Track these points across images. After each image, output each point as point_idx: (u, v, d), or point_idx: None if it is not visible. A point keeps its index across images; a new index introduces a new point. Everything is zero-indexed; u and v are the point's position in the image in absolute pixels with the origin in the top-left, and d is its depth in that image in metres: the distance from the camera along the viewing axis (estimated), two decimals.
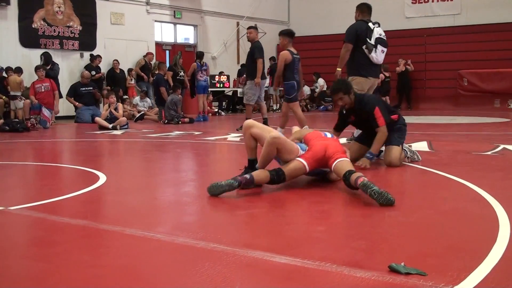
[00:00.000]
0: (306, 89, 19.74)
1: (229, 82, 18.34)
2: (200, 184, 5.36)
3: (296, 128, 5.42)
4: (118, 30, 16.17)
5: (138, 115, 14.18)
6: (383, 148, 5.92)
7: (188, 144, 8.86)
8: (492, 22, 17.99)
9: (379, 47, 7.58)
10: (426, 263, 2.62)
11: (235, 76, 19.02)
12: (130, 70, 16.19)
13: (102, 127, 11.63)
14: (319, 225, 3.58)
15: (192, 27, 19.01)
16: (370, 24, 7.64)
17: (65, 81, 14.70)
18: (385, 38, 7.72)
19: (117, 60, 15.68)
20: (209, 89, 16.39)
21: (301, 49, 21.14)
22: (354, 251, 2.89)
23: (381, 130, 5.61)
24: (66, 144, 9.58)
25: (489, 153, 6.84)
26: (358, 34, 7.59)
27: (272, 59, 18.74)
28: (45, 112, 12.27)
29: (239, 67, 19.06)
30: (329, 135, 5.03)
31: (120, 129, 11.54)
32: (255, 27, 11.02)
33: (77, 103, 13.99)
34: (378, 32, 7.62)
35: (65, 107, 14.59)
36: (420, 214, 3.81)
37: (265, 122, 10.06)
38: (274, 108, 18.35)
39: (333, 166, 4.56)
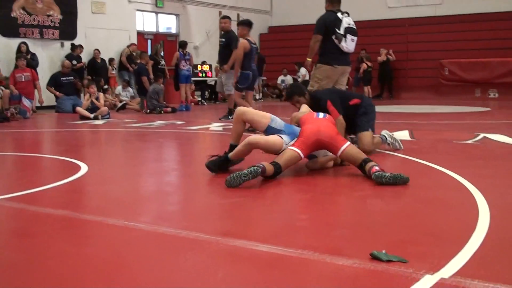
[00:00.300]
0: (289, 79, 19.74)
1: (211, 71, 18.27)
2: (183, 173, 5.36)
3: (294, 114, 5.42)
4: (99, 19, 16.01)
5: (120, 104, 14.09)
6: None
7: (170, 133, 8.82)
8: (473, 12, 18.12)
9: (349, 36, 7.77)
10: (407, 251, 2.64)
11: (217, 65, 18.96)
12: (111, 60, 16.07)
13: (83, 117, 11.54)
14: (301, 214, 3.60)
15: (174, 16, 18.89)
16: (339, 14, 7.80)
17: (46, 70, 14.54)
18: (354, 27, 7.90)
19: (98, 50, 15.54)
20: (192, 79, 16.35)
21: (284, 39, 21.35)
22: (336, 239, 2.91)
23: (337, 121, 5.55)
24: (47, 134, 9.49)
25: (469, 142, 6.90)
26: (327, 25, 7.79)
27: None
28: (25, 102, 12.13)
29: None
30: (321, 115, 5.03)
31: (101, 119, 11.46)
32: (229, 18, 10.91)
33: (58, 93, 13.84)
34: (347, 21, 7.78)
35: (45, 97, 14.42)
36: (402, 202, 3.85)
37: (230, 111, 10.31)
38: (257, 98, 18.33)
39: (340, 153, 4.65)
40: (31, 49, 14.23)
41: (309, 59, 8.31)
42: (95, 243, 2.94)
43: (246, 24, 9.14)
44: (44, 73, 14.38)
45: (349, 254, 2.60)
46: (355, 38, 7.91)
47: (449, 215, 3.45)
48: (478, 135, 7.42)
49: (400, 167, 5.31)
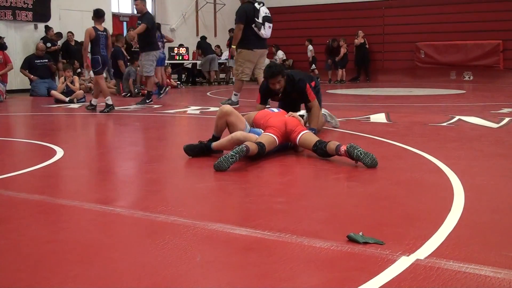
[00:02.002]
0: (266, 61, 19.69)
1: (188, 54, 18.15)
2: (160, 157, 5.33)
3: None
4: (73, 0, 15.74)
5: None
6: (303, 113, 5.87)
7: (147, 117, 8.76)
8: None
9: (266, 24, 9.11)
10: (383, 232, 2.67)
11: (194, 48, 18.83)
12: None
13: (59, 101, 11.39)
14: (279, 197, 3.61)
15: None
16: (256, 5, 9.07)
17: (19, 53, 14.29)
18: (270, 15, 9.23)
19: (71, 32, 15.29)
20: (168, 62, 16.29)
21: None
22: (313, 222, 2.93)
23: (314, 104, 5.62)
24: (21, 118, 9.35)
25: (444, 124, 6.97)
26: (248, 15, 9.02)
27: (231, 30, 18.58)
28: None
29: (199, 39, 18.86)
30: (275, 110, 5.19)
31: (77, 102, 11.33)
32: None
33: (32, 76, 13.63)
34: (264, 11, 9.09)
35: (19, 80, 14.21)
36: (378, 184, 3.88)
37: (148, 94, 10.64)
38: (234, 81, 18.26)
39: (298, 139, 4.80)
40: (4, 31, 13.96)
41: (233, 46, 9.54)
42: (71, 228, 2.92)
43: (94, 14, 9.32)
44: (17, 55, 14.13)
45: (326, 237, 2.62)
46: (271, 25, 9.24)
47: (425, 197, 3.49)
48: (453, 117, 7.51)
49: (377, 150, 5.33)
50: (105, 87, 9.45)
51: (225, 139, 4.81)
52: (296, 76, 5.69)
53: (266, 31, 9.14)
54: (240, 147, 4.30)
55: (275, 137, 4.71)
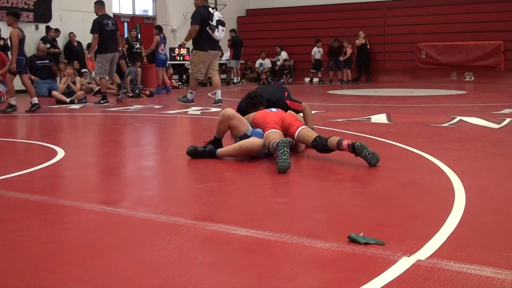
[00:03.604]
0: (267, 62, 19.69)
1: (189, 55, 18.13)
2: (161, 158, 5.34)
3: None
4: (74, 1, 15.74)
5: (96, 88, 13.93)
6: None
7: (148, 118, 8.76)
8: None
9: (220, 27, 9.84)
10: (384, 233, 2.67)
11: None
12: (89, 45, 15.72)
13: (60, 101, 11.39)
14: (279, 197, 3.61)
15: None
16: (210, 9, 9.89)
17: None
18: (223, 19, 10.03)
19: (73, 33, 15.29)
20: (169, 62, 16.35)
21: (262, 22, 21.24)
22: (314, 223, 2.93)
23: (304, 108, 5.60)
24: (23, 119, 9.35)
25: (445, 124, 6.97)
26: (203, 17, 9.74)
27: (232, 31, 18.61)
28: None
29: None
30: (274, 109, 5.16)
31: (78, 103, 11.33)
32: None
33: (33, 76, 13.61)
34: (217, 15, 9.89)
35: (20, 81, 14.17)
36: (379, 185, 3.88)
37: (104, 96, 11.11)
38: (235, 81, 18.28)
39: (296, 134, 4.77)
40: (5, 32, 13.96)
41: (185, 42, 10.74)
42: (73, 229, 2.92)
43: (12, 14, 9.45)
44: None
45: (327, 237, 2.62)
46: (224, 28, 10.06)
47: (426, 197, 3.49)
48: (454, 118, 7.50)
49: (378, 151, 5.33)
50: (12, 88, 9.65)
51: (232, 148, 4.76)
52: (274, 97, 5.60)
53: (219, 34, 9.89)
54: (283, 140, 4.29)
55: (278, 131, 4.70)
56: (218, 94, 10.32)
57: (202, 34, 9.81)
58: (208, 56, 9.98)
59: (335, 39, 18.28)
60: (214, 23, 9.75)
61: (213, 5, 10.15)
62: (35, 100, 9.51)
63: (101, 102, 11.05)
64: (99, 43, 10.84)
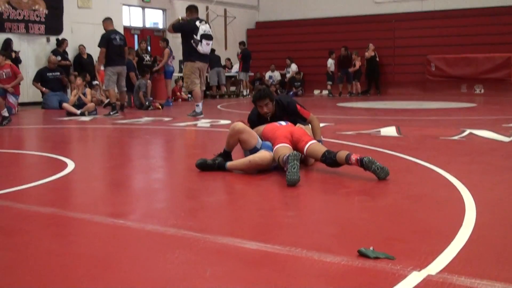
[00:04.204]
0: (276, 75, 19.73)
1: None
2: (170, 170, 5.35)
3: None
4: (85, 14, 15.88)
5: (107, 101, 14.01)
6: None
7: (157, 130, 8.79)
8: (460, 7, 18.21)
9: (204, 41, 10.08)
10: (394, 247, 2.65)
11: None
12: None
13: (70, 113, 11.45)
14: (289, 211, 3.60)
15: (161, 11, 18.79)
16: (197, 23, 10.07)
17: (31, 66, 14.43)
18: (210, 33, 10.27)
19: (83, 45, 15.39)
20: (179, 75, 16.45)
21: (271, 34, 21.31)
22: (324, 236, 2.92)
23: (312, 118, 5.54)
24: (33, 131, 9.42)
25: (456, 138, 6.94)
26: (184, 29, 10.17)
27: (241, 43, 18.69)
28: (10, 98, 11.97)
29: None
30: (283, 123, 5.15)
31: (88, 115, 11.39)
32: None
33: (44, 88, 13.73)
34: (203, 29, 10.05)
35: (31, 93, 14.33)
36: (389, 199, 3.86)
37: (114, 107, 11.28)
38: (244, 94, 18.32)
39: (306, 148, 4.77)
40: (17, 44, 14.12)
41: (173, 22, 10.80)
42: (82, 241, 2.92)
43: None
44: (30, 68, 14.26)
45: (337, 251, 2.61)
46: (210, 42, 10.32)
47: (436, 211, 3.47)
48: (464, 131, 7.47)
49: (387, 164, 5.32)
50: (1, 100, 9.56)
51: (242, 162, 4.75)
52: (284, 100, 5.64)
53: (203, 48, 10.16)
54: (293, 153, 4.30)
55: (288, 145, 4.70)
56: (199, 107, 10.50)
57: (188, 47, 10.22)
58: (196, 66, 10.31)
59: (345, 46, 18.26)
60: (198, 37, 10.03)
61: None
62: (5, 112, 9.39)
63: (111, 113, 11.16)
64: (107, 56, 11.24)
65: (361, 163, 4.31)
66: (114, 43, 11.26)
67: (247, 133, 4.92)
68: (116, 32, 11.66)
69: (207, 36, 10.17)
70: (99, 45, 11.28)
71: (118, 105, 11.65)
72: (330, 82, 18.40)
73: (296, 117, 5.47)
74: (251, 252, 2.65)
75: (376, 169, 4.27)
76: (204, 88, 10.97)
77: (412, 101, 15.04)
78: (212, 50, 18.32)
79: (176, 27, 10.33)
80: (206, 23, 10.32)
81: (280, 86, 19.46)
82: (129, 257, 2.62)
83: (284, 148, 4.60)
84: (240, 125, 4.96)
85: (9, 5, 14.19)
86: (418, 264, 2.43)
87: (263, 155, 4.70)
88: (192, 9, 10.42)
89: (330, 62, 18.41)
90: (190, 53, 10.20)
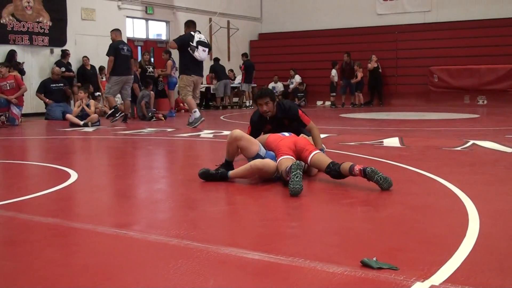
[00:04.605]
0: (279, 86, 19.77)
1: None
2: (173, 181, 5.34)
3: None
4: (89, 26, 15.97)
5: (109, 111, 14.03)
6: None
7: (160, 141, 8.80)
8: (462, 19, 18.25)
9: (200, 47, 10.55)
10: (397, 258, 2.65)
11: (208, 72, 18.94)
12: (102, 69, 15.87)
13: (73, 124, 11.48)
14: (291, 221, 3.60)
15: (164, 23, 18.88)
16: (192, 33, 10.66)
17: (35, 77, 14.49)
18: (205, 40, 10.85)
19: (87, 57, 15.45)
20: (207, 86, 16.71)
21: (274, 46, 21.39)
22: (327, 247, 2.91)
23: (312, 126, 5.52)
24: (36, 142, 9.44)
25: (459, 148, 6.94)
26: (184, 43, 10.54)
27: (244, 55, 18.74)
28: (14, 109, 12.02)
29: (212, 63, 18.99)
30: (286, 134, 5.16)
31: (91, 126, 11.41)
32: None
33: (47, 99, 13.78)
34: (198, 36, 10.64)
35: (35, 104, 14.37)
36: (392, 209, 3.85)
37: (123, 116, 11.80)
38: (247, 105, 18.35)
39: (310, 158, 4.77)
40: (21, 56, 14.19)
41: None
42: (85, 252, 2.92)
43: None
44: (33, 80, 14.32)
45: (340, 262, 2.60)
46: (206, 49, 10.79)
47: (439, 222, 3.46)
48: (467, 142, 7.46)
49: (390, 174, 5.31)
50: None
51: (244, 168, 4.74)
52: (287, 103, 5.67)
53: (200, 54, 10.60)
54: (297, 162, 4.32)
55: (291, 157, 4.70)
56: (193, 116, 10.80)
57: (185, 59, 10.69)
58: (192, 80, 10.77)
59: (347, 52, 18.29)
60: (194, 43, 10.51)
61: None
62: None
63: (116, 116, 11.60)
64: (114, 66, 11.47)
65: (364, 173, 4.31)
66: (122, 53, 11.53)
67: (245, 140, 4.94)
68: (124, 43, 11.96)
69: (203, 43, 10.66)
70: (107, 54, 11.54)
71: (122, 110, 12.04)
72: (333, 94, 18.38)
73: (296, 122, 5.49)
74: (254, 263, 2.64)
75: (379, 179, 4.26)
76: (198, 101, 11.41)
77: (415, 112, 15.05)
78: (217, 59, 18.41)
79: (177, 40, 10.81)
80: (200, 33, 10.89)
81: (282, 97, 19.47)
82: (132, 268, 2.62)
83: (287, 160, 4.60)
84: (237, 132, 4.98)
85: (13, 17, 14.27)
86: (422, 274, 2.42)
87: (266, 161, 4.71)
88: (189, 24, 10.95)
89: (334, 73, 18.42)
90: (187, 66, 10.67)
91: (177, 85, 15.26)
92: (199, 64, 10.83)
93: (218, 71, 17.80)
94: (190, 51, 10.48)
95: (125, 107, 12.15)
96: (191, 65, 10.66)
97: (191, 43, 10.49)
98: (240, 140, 4.92)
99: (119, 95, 15.21)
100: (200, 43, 10.59)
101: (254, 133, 5.59)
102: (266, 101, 5.35)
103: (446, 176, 4.86)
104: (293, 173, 4.18)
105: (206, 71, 18.76)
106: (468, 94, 18.07)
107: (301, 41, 20.60)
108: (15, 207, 3.98)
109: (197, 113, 10.74)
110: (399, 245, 2.92)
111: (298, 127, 5.53)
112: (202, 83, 17.92)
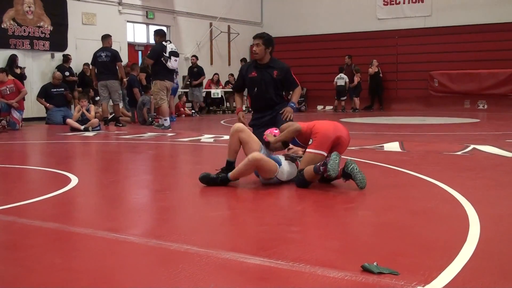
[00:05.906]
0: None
1: (202, 83, 18.27)
2: (173, 185, 5.34)
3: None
4: (89, 30, 15.97)
5: (110, 116, 14.04)
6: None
7: (161, 145, 8.81)
8: (462, 24, 18.25)
9: (172, 58, 11.38)
10: (398, 263, 2.64)
11: (209, 77, 18.96)
12: None
13: (74, 129, 11.48)
14: (292, 226, 3.59)
15: (164, 28, 18.85)
16: (164, 43, 11.44)
17: (36, 82, 14.49)
18: (176, 50, 11.67)
19: (87, 64, 15.42)
20: (183, 90, 16.56)
21: (275, 50, 21.24)
22: (327, 252, 2.91)
23: (298, 88, 6.07)
24: (37, 146, 9.44)
25: (459, 153, 6.93)
26: (158, 53, 11.30)
27: (243, 60, 18.76)
28: (15, 114, 12.03)
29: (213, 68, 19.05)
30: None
31: (92, 130, 11.41)
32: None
33: (48, 104, 13.78)
34: (170, 47, 11.42)
35: (35, 108, 14.38)
36: (392, 214, 3.85)
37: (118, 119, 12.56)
38: (246, 109, 18.35)
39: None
40: (22, 60, 14.20)
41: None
42: (85, 256, 2.92)
43: None
44: (34, 84, 14.32)
45: (340, 267, 2.60)
46: (177, 59, 11.69)
47: (440, 226, 3.46)
48: (468, 146, 7.46)
49: (390, 179, 5.32)
50: None
51: (242, 164, 4.70)
52: (282, 63, 6.08)
53: (172, 63, 11.44)
54: (336, 153, 4.49)
55: (322, 152, 4.76)
56: (167, 121, 11.51)
57: (159, 67, 11.39)
58: (165, 85, 11.55)
59: (348, 55, 18.32)
60: (167, 54, 11.30)
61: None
62: None
63: (120, 125, 12.37)
64: (95, 72, 12.54)
65: (344, 168, 4.48)
66: (98, 60, 12.27)
67: (246, 133, 5.02)
68: (104, 49, 12.46)
69: (174, 53, 11.50)
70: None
71: (120, 119, 12.69)
72: (344, 98, 18.38)
73: (285, 80, 5.90)
74: (255, 267, 2.64)
75: (353, 169, 4.43)
76: (173, 103, 12.36)
77: (415, 117, 15.05)
78: None
79: (151, 55, 11.60)
80: (171, 43, 11.77)
81: None
82: (133, 272, 2.62)
83: (311, 157, 4.72)
84: (239, 124, 5.14)
85: (14, 22, 14.28)
86: (422, 279, 2.42)
87: (264, 156, 4.73)
88: (160, 33, 11.79)
89: (344, 77, 18.31)
90: (160, 72, 11.43)
91: (177, 91, 15.39)
92: (171, 71, 11.66)
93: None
94: (163, 61, 11.29)
95: (114, 110, 12.73)
96: (164, 72, 11.45)
97: (164, 54, 11.27)
98: (242, 132, 4.99)
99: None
100: (172, 53, 11.40)
101: (239, 81, 6.17)
102: (257, 42, 5.75)
103: (446, 180, 4.85)
104: (332, 157, 4.38)
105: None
106: (468, 98, 18.07)
107: (302, 46, 20.61)
108: (16, 211, 3.98)
109: (167, 122, 11.49)
110: (400, 250, 2.92)
111: (279, 100, 5.94)
112: (203, 88, 18.16)
